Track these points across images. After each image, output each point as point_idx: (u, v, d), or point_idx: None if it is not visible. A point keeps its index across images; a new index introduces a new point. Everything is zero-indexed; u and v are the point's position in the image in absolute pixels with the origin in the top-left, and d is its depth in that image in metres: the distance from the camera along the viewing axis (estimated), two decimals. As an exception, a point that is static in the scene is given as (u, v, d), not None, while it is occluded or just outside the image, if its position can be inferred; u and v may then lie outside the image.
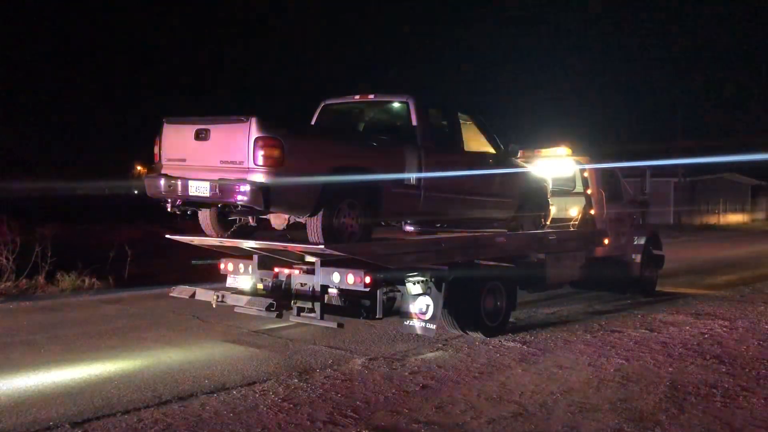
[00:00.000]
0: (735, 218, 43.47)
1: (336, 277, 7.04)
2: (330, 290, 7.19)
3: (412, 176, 7.47)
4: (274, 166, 6.15)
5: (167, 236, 8.11)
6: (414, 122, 7.72)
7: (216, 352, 7.43)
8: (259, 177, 6.13)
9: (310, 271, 7.32)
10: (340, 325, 7.15)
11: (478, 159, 8.60)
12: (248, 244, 7.34)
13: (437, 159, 7.78)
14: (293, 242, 7.02)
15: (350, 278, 6.93)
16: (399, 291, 7.69)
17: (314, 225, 6.65)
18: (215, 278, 8.63)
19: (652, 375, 6.50)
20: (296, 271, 7.47)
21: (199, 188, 6.53)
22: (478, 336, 8.06)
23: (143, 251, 14.00)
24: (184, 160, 6.77)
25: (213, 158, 6.49)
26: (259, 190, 6.11)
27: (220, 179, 6.32)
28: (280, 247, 7.10)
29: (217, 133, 6.52)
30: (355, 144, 7.36)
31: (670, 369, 6.73)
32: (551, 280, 9.75)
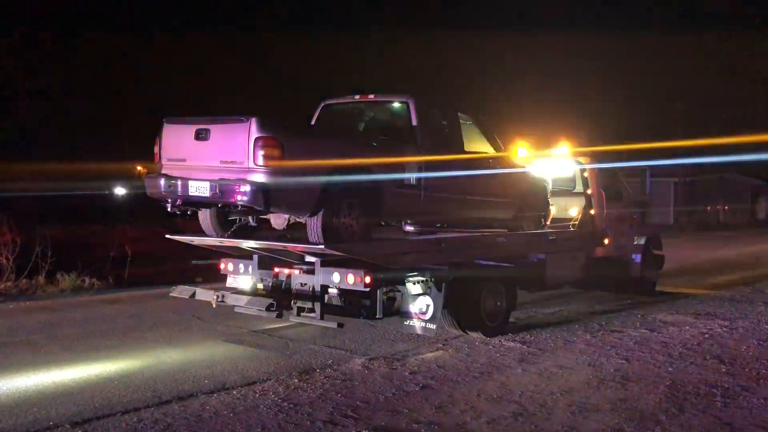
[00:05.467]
0: (735, 218, 43.46)
1: (336, 277, 7.04)
2: (330, 290, 7.19)
3: (412, 176, 7.47)
4: (274, 166, 6.15)
5: (167, 236, 8.11)
6: (414, 122, 7.72)
7: (216, 352, 7.43)
8: (259, 177, 6.13)
9: (310, 271, 7.32)
10: (340, 325, 7.15)
11: (478, 159, 8.60)
12: (248, 244, 7.34)
13: (437, 159, 7.77)
14: (293, 242, 7.02)
15: (350, 278, 6.93)
16: (399, 291, 7.69)
17: (314, 225, 6.65)
18: (215, 278, 8.64)
19: (652, 375, 6.50)
20: (296, 271, 7.47)
21: (199, 188, 6.53)
22: (478, 336, 8.06)
23: (143, 251, 14.00)
24: (184, 160, 6.77)
25: (213, 158, 6.49)
26: (259, 190, 6.11)
27: (220, 179, 6.32)
28: (280, 247, 7.10)
29: (217, 133, 6.52)
30: (355, 144, 7.36)
31: (670, 369, 6.73)
32: (551, 280, 9.74)
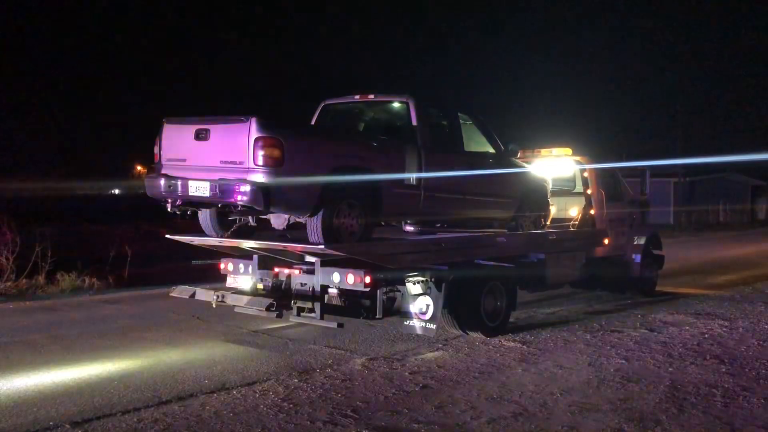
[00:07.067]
0: (735, 218, 43.40)
1: (336, 277, 7.04)
2: (330, 290, 7.19)
3: (412, 176, 7.47)
4: (274, 166, 6.16)
5: (167, 236, 8.12)
6: (414, 122, 7.72)
7: (216, 352, 7.43)
8: (259, 177, 6.14)
9: (310, 271, 7.32)
10: (340, 325, 7.15)
11: (478, 159, 8.60)
12: (248, 244, 7.34)
13: (437, 159, 7.78)
14: (293, 242, 7.02)
15: (350, 278, 6.93)
16: (399, 291, 7.69)
17: (314, 225, 6.65)
18: (215, 278, 8.64)
19: (652, 375, 6.50)
20: (296, 271, 7.47)
21: (199, 188, 6.53)
22: (478, 336, 8.06)
23: (143, 251, 14.00)
24: (184, 160, 6.78)
25: (213, 158, 6.50)
26: (259, 190, 6.12)
27: (220, 179, 6.32)
28: (280, 247, 7.10)
29: (217, 133, 6.53)
30: (355, 144, 7.36)
31: (670, 369, 6.73)
32: (551, 280, 9.74)
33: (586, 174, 10.97)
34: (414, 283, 7.47)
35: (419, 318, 7.51)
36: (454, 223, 9.09)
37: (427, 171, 7.57)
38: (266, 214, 7.02)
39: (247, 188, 6.13)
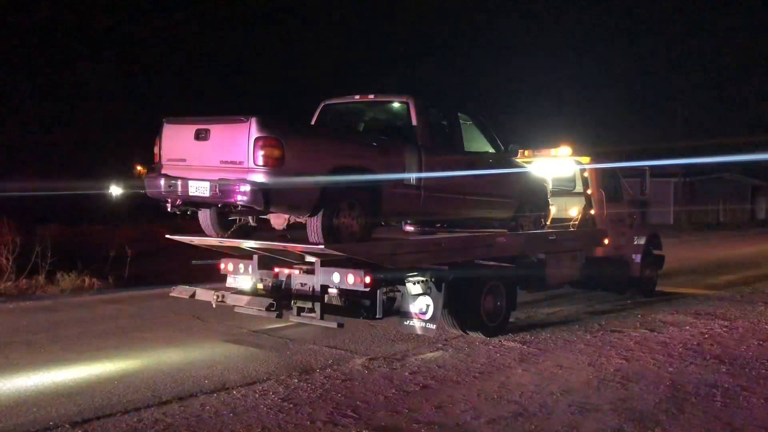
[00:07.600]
0: (735, 218, 43.41)
1: (336, 277, 7.04)
2: (330, 290, 7.19)
3: (412, 176, 7.47)
4: (274, 166, 6.15)
5: (167, 236, 8.11)
6: (414, 122, 7.72)
7: (216, 352, 7.43)
8: (259, 177, 6.13)
9: (310, 271, 7.31)
10: (340, 325, 7.15)
11: (478, 159, 8.60)
12: (248, 244, 7.34)
13: (437, 159, 7.78)
14: (293, 242, 7.02)
15: (350, 278, 6.92)
16: (399, 291, 7.69)
17: (314, 225, 6.65)
18: (215, 278, 8.64)
19: (652, 375, 6.50)
20: (296, 271, 7.46)
21: (199, 188, 6.53)
22: (478, 336, 8.06)
23: (143, 251, 14.00)
24: (184, 160, 6.77)
25: (213, 158, 6.49)
26: (259, 190, 6.11)
27: (220, 179, 6.32)
28: (280, 247, 7.10)
29: (217, 133, 6.52)
30: (355, 144, 7.36)
31: (670, 369, 6.73)
32: (551, 280, 9.75)
33: (586, 174, 10.97)
34: (414, 283, 7.48)
35: (419, 318, 7.51)
36: (454, 223, 9.08)
37: (427, 171, 7.57)
38: (266, 214, 7.02)
39: (247, 188, 6.13)
